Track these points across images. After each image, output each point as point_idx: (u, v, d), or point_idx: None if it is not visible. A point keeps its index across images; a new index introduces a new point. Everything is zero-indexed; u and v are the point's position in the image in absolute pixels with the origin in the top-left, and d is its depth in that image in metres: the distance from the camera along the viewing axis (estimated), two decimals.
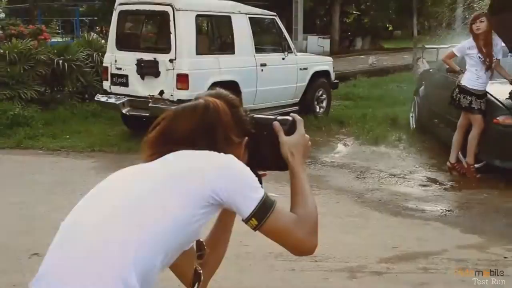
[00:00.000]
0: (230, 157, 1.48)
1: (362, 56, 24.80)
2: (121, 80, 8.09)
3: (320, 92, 9.86)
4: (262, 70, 8.49)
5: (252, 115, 1.66)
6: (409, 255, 4.27)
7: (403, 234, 4.72)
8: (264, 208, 1.44)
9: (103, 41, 11.63)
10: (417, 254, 4.30)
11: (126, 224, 1.35)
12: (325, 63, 10.22)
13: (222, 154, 1.49)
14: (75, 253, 1.32)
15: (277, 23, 9.14)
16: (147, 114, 7.46)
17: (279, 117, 1.65)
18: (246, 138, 1.60)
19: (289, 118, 1.64)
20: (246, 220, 1.44)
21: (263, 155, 1.63)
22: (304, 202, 1.53)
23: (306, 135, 1.63)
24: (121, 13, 8.33)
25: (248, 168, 1.49)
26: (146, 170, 1.50)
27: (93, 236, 1.34)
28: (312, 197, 1.55)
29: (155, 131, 1.56)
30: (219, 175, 1.43)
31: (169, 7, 7.60)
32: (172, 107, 1.67)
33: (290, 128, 1.61)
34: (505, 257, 4.23)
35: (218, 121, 1.54)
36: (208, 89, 7.66)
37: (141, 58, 7.81)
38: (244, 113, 1.62)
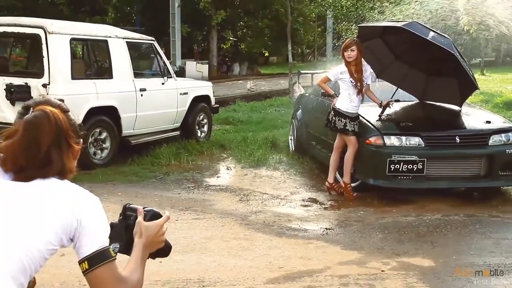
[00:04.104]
0: (96, 200, 1.64)
1: (241, 81, 25.36)
2: None
3: (201, 117, 9.89)
4: (141, 95, 8.34)
5: (128, 203, 1.82)
6: (295, 274, 4.34)
7: (288, 254, 4.80)
8: (101, 257, 1.58)
9: None
10: (302, 273, 4.38)
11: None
12: (205, 88, 10.27)
13: (88, 196, 1.64)
14: None
15: (156, 48, 9.06)
16: None
17: (148, 208, 1.80)
18: (81, 140, 1.72)
19: (155, 210, 1.80)
20: (80, 261, 1.58)
21: (121, 235, 1.75)
22: (133, 269, 1.67)
23: (164, 229, 1.78)
24: None
25: (106, 217, 1.64)
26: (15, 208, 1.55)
27: None
28: (141, 273, 1.68)
29: (16, 143, 1.58)
30: (84, 221, 1.58)
31: (41, 30, 7.25)
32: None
33: (152, 217, 1.77)
34: (382, 271, 4.44)
35: (62, 130, 1.62)
36: (86, 115, 7.39)
37: (11, 83, 7.34)
38: (72, 117, 1.72)
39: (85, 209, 1.60)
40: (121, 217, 1.78)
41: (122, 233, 1.75)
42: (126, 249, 1.73)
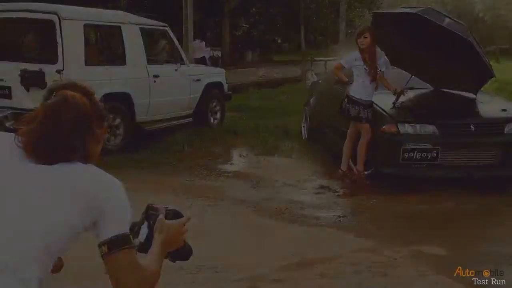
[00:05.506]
0: (119, 184, 1.63)
1: (253, 68, 25.24)
2: (3, 92, 7.58)
3: (214, 104, 9.90)
4: (155, 81, 8.35)
5: (150, 203, 1.81)
6: (307, 262, 4.35)
7: (300, 241, 4.81)
8: (121, 241, 1.55)
9: None
10: (314, 260, 4.39)
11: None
12: (218, 75, 10.27)
13: (111, 180, 1.62)
14: None
15: (169, 34, 9.05)
16: None
17: (171, 207, 1.81)
18: (106, 123, 1.72)
19: (177, 209, 1.81)
20: (100, 244, 1.56)
21: (143, 233, 1.75)
22: (151, 261, 1.65)
23: (185, 228, 1.78)
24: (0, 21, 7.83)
25: (128, 203, 1.62)
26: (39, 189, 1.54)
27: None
28: (158, 267, 1.66)
29: (36, 129, 1.57)
30: (106, 205, 1.57)
31: (55, 15, 7.26)
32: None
33: (173, 216, 1.79)
34: (394, 259, 4.44)
35: (83, 115, 1.60)
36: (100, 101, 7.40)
37: (25, 69, 7.37)
38: (98, 99, 1.70)
39: (108, 193, 1.59)
40: (143, 216, 1.78)
41: (144, 231, 1.75)
42: (146, 247, 1.73)
